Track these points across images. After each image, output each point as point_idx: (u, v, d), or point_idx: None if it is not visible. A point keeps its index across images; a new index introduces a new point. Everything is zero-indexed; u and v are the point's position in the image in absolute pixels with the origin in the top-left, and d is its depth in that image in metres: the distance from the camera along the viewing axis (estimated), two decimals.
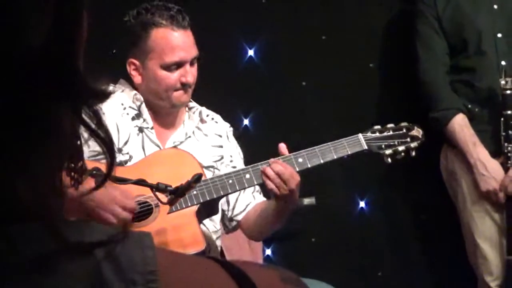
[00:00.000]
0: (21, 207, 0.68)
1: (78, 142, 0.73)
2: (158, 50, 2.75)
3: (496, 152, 3.51)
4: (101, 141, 0.72)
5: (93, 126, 0.72)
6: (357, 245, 3.98)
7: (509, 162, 3.42)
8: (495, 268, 3.57)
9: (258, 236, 2.97)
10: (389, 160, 2.89)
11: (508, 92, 3.28)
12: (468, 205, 3.62)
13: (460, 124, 3.55)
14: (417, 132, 2.94)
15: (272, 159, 2.73)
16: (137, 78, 2.82)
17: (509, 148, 3.37)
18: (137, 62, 2.80)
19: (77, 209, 2.40)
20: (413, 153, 2.92)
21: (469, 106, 3.57)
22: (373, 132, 2.89)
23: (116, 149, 2.76)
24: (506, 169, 3.45)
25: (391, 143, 2.89)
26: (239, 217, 2.89)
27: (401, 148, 2.90)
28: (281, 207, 2.76)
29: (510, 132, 3.34)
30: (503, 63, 3.56)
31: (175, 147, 2.85)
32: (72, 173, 0.73)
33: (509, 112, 3.31)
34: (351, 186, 3.96)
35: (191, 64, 2.80)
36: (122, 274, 0.68)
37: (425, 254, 4.06)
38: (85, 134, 0.72)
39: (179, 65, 2.77)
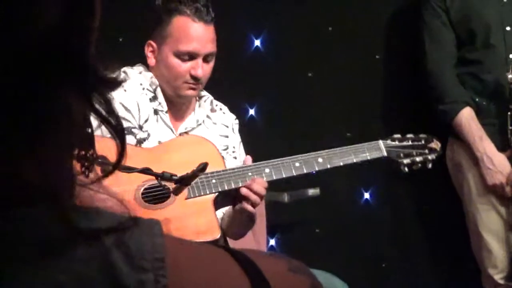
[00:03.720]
0: (29, 191, 0.68)
1: (89, 130, 0.73)
2: (175, 37, 2.79)
3: (503, 145, 3.51)
4: (112, 129, 0.72)
5: (104, 113, 0.72)
6: (361, 236, 3.98)
7: None
8: (499, 261, 3.57)
9: (226, 233, 2.92)
10: (406, 169, 2.96)
11: None
12: (473, 198, 3.61)
13: (467, 118, 3.55)
14: (435, 144, 2.99)
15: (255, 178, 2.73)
16: (151, 60, 2.87)
17: None
18: (154, 45, 2.84)
19: (90, 199, 2.43)
20: (430, 165, 2.96)
21: (477, 99, 3.56)
22: (393, 140, 2.96)
23: (137, 126, 2.80)
24: None
25: (409, 153, 2.94)
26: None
27: (418, 158, 2.97)
28: (238, 219, 2.79)
29: None
30: (511, 56, 3.55)
31: (194, 135, 2.88)
32: (83, 160, 0.73)
33: None
34: (356, 177, 3.95)
35: (206, 60, 2.82)
36: (131, 261, 0.68)
37: (429, 246, 4.07)
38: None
39: (191, 56, 2.79)
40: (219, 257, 0.75)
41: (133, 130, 2.79)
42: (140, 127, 2.81)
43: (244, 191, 2.69)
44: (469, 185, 3.62)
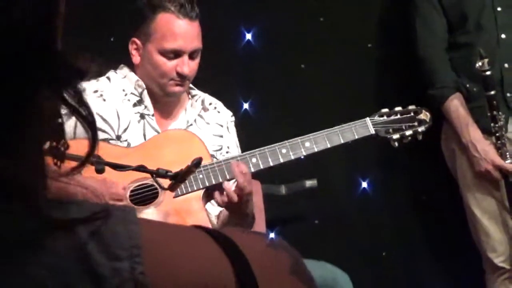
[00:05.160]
0: (1, 184, 0.68)
1: (60, 120, 0.73)
2: (159, 34, 2.76)
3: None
4: (83, 120, 0.72)
5: (74, 104, 0.71)
6: (360, 226, 3.98)
7: (499, 142, 3.40)
8: (498, 244, 3.57)
9: None
10: (396, 144, 2.90)
11: (488, 73, 3.26)
12: (468, 183, 3.61)
13: (455, 104, 3.55)
14: (424, 115, 2.92)
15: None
16: (135, 58, 2.84)
17: (496, 128, 3.35)
18: (139, 42, 2.81)
19: (64, 189, 2.41)
20: (420, 137, 2.92)
21: (467, 85, 3.55)
22: (381, 116, 2.89)
23: (115, 136, 2.77)
24: (497, 148, 3.43)
25: (399, 127, 2.89)
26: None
27: (408, 132, 2.90)
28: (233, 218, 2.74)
29: (495, 112, 3.32)
30: (503, 36, 3.54)
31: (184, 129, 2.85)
32: (54, 151, 0.73)
33: (492, 92, 3.30)
34: (353, 167, 3.95)
35: (191, 57, 2.79)
36: (106, 250, 0.68)
37: (429, 233, 4.07)
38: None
39: (177, 53, 2.77)
40: (196, 237, 0.75)
41: (110, 141, 2.75)
42: (118, 137, 2.77)
43: (235, 172, 2.64)
44: (463, 170, 3.62)
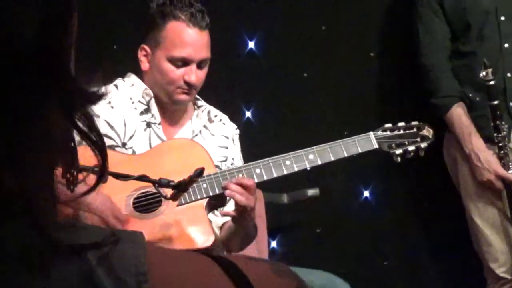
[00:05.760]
0: (12, 206, 0.68)
1: (72, 144, 0.73)
2: (169, 42, 2.77)
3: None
4: (93, 145, 0.72)
5: (85, 129, 0.72)
6: (362, 234, 3.98)
7: (501, 151, 3.40)
8: (500, 254, 3.57)
9: (227, 248, 2.87)
10: (399, 159, 2.91)
11: (491, 83, 3.27)
12: (470, 192, 3.61)
13: (458, 113, 3.54)
14: (427, 131, 2.94)
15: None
16: (144, 65, 2.84)
17: (499, 138, 3.36)
18: (148, 49, 2.82)
19: (74, 214, 2.43)
20: (422, 153, 2.93)
21: (470, 95, 3.55)
22: (384, 131, 2.91)
23: (120, 143, 2.78)
24: (499, 158, 3.43)
25: (401, 142, 2.90)
26: (226, 218, 2.88)
27: (411, 148, 2.92)
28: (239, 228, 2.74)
29: (498, 122, 3.32)
30: (506, 45, 3.54)
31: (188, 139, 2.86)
32: (67, 175, 0.73)
33: (495, 102, 3.31)
34: (355, 176, 3.95)
35: (199, 66, 2.79)
36: (114, 275, 0.69)
37: (430, 242, 4.06)
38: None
39: (185, 62, 2.77)
40: (202, 264, 0.75)
41: (116, 148, 2.75)
42: (124, 145, 2.78)
43: (227, 193, 2.65)
44: (465, 179, 3.62)
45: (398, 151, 2.90)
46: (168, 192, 2.57)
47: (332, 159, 2.80)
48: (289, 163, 2.76)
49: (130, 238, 0.71)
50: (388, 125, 2.93)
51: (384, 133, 2.90)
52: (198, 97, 2.95)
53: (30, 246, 0.68)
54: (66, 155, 0.73)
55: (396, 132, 2.91)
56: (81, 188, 0.75)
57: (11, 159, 0.68)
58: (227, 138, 2.94)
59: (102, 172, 0.73)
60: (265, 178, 2.74)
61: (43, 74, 0.69)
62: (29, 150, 0.69)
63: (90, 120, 0.72)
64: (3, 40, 0.67)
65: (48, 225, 0.68)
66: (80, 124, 0.71)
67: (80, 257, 0.68)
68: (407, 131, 2.93)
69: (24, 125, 0.69)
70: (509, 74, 3.51)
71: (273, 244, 3.86)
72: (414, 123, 2.97)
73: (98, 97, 0.73)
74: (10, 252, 0.67)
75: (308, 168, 2.79)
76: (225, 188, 2.64)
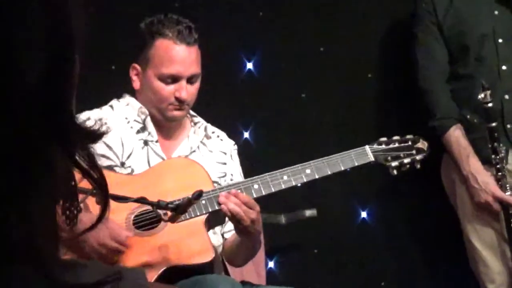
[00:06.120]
0: (16, 249, 0.68)
1: (73, 183, 0.73)
2: (158, 60, 2.79)
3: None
4: (94, 183, 0.73)
5: (86, 167, 0.72)
6: (359, 255, 3.98)
7: (499, 173, 3.41)
8: (497, 275, 3.57)
9: (231, 262, 2.89)
10: (395, 172, 2.94)
11: (490, 105, 3.29)
12: (468, 214, 3.62)
13: (455, 135, 3.55)
14: (422, 144, 2.98)
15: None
16: (136, 84, 2.87)
17: (497, 160, 3.37)
18: (139, 68, 2.84)
19: (73, 248, 2.43)
20: (418, 166, 2.95)
21: (468, 116, 3.56)
22: (380, 144, 2.94)
23: (119, 163, 2.78)
24: (497, 180, 3.44)
25: (397, 155, 2.93)
26: (227, 235, 2.89)
27: (406, 160, 2.95)
28: (243, 240, 2.76)
29: (495, 144, 3.34)
30: (503, 67, 3.56)
31: (186, 157, 2.87)
32: (67, 213, 0.73)
33: (493, 124, 3.32)
34: (352, 196, 3.96)
35: (190, 81, 2.81)
36: None
37: (428, 263, 4.06)
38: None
39: (175, 79, 2.79)
40: None
41: (114, 168, 2.77)
42: (122, 164, 2.79)
43: (223, 209, 2.66)
44: (463, 201, 3.62)
45: (394, 164, 2.93)
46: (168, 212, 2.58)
47: (329, 172, 2.82)
48: (287, 177, 2.77)
49: (132, 276, 0.72)
50: (383, 138, 2.97)
51: (380, 146, 2.93)
52: (194, 114, 2.96)
53: None
54: (67, 194, 0.73)
55: (391, 146, 2.95)
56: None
57: (14, 200, 0.68)
58: (225, 154, 2.96)
59: (103, 208, 0.74)
60: (263, 193, 2.75)
61: (45, 116, 0.70)
62: (32, 190, 0.70)
63: (91, 158, 0.72)
64: (6, 84, 0.68)
65: (53, 268, 0.68)
66: (81, 163, 0.72)
67: None
68: (402, 144, 2.97)
69: (26, 167, 0.69)
70: (506, 96, 3.53)
71: (271, 264, 3.85)
72: (409, 136, 3.01)
73: (98, 135, 0.74)
74: None
75: (305, 182, 2.78)
76: (220, 202, 2.65)
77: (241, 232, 2.70)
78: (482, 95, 3.27)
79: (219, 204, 2.67)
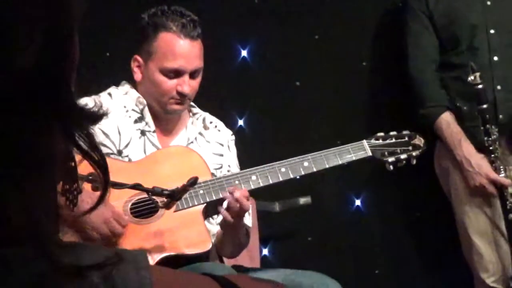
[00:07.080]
0: (16, 231, 0.69)
1: (73, 164, 0.73)
2: (161, 53, 2.77)
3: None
4: (95, 164, 0.73)
5: (87, 148, 0.72)
6: (353, 243, 3.99)
7: (492, 155, 3.42)
8: (490, 264, 3.58)
9: (221, 252, 2.90)
10: (391, 167, 2.95)
11: (480, 86, 3.29)
12: (461, 201, 3.63)
13: (447, 122, 3.57)
14: (419, 140, 2.99)
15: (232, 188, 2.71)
16: (137, 76, 2.85)
17: (489, 142, 3.37)
18: (141, 60, 2.82)
19: (74, 228, 2.44)
20: (414, 162, 2.96)
21: (458, 104, 3.57)
22: (377, 139, 2.95)
23: (116, 151, 2.78)
24: (490, 162, 3.45)
25: (394, 151, 2.94)
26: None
27: (403, 156, 2.96)
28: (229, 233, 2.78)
29: (487, 126, 3.34)
30: (495, 58, 3.56)
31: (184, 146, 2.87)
32: (67, 195, 0.74)
33: (484, 106, 3.32)
34: (347, 184, 3.96)
35: (192, 76, 2.80)
36: None
37: (421, 251, 4.07)
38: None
39: (177, 73, 2.78)
40: (204, 284, 0.76)
41: (111, 156, 2.76)
42: (120, 152, 2.78)
43: (228, 196, 2.66)
44: (456, 188, 3.63)
45: (391, 159, 2.94)
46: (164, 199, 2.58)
47: (327, 166, 2.83)
48: (285, 170, 2.78)
49: (132, 259, 0.72)
50: (381, 133, 2.97)
51: (377, 141, 2.94)
52: (193, 104, 2.96)
53: (37, 272, 0.68)
54: (67, 175, 0.73)
55: (388, 141, 2.96)
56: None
57: (15, 181, 0.68)
58: (222, 145, 2.96)
59: (104, 190, 0.74)
60: (261, 184, 2.76)
61: (44, 97, 0.70)
62: (32, 171, 0.70)
63: (91, 139, 0.72)
64: (4, 65, 0.68)
65: (54, 249, 0.68)
66: (81, 144, 0.72)
67: (83, 278, 0.69)
68: (399, 140, 2.97)
69: (27, 147, 0.69)
70: (499, 87, 3.53)
71: (265, 251, 3.86)
72: (406, 132, 3.01)
73: (99, 116, 0.74)
74: (19, 279, 0.67)
75: (303, 174, 2.80)
76: (229, 190, 2.66)
77: (231, 226, 2.70)
78: (472, 77, 3.27)
79: (223, 192, 2.67)
